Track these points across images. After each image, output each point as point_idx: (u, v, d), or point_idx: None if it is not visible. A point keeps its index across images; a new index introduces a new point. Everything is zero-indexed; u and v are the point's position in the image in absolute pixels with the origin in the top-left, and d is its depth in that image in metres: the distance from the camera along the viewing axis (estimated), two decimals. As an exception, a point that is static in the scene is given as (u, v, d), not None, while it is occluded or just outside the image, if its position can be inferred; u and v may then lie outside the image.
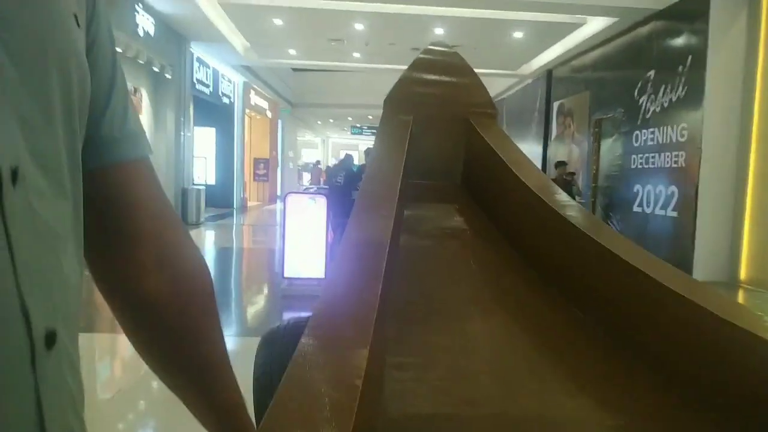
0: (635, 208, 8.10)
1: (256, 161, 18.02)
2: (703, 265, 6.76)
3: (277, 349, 1.22)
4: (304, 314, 1.03)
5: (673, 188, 7.25)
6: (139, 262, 0.54)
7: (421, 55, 2.19)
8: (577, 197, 7.94)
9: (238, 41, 11.19)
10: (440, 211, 1.93)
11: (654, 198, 7.63)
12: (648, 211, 7.78)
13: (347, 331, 0.70)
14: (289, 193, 5.04)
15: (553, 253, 1.46)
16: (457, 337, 1.17)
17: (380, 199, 1.40)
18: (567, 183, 8.03)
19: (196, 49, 11.31)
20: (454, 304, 1.37)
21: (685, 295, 0.94)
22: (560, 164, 8.44)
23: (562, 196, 1.50)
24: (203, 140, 14.50)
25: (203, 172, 14.75)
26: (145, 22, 8.54)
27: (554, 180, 7.78)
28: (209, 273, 0.61)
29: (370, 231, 1.18)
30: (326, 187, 15.09)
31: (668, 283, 0.99)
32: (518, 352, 1.17)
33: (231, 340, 3.86)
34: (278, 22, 9.73)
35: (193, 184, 11.52)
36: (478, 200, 1.95)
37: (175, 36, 10.03)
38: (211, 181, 14.89)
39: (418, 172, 2.01)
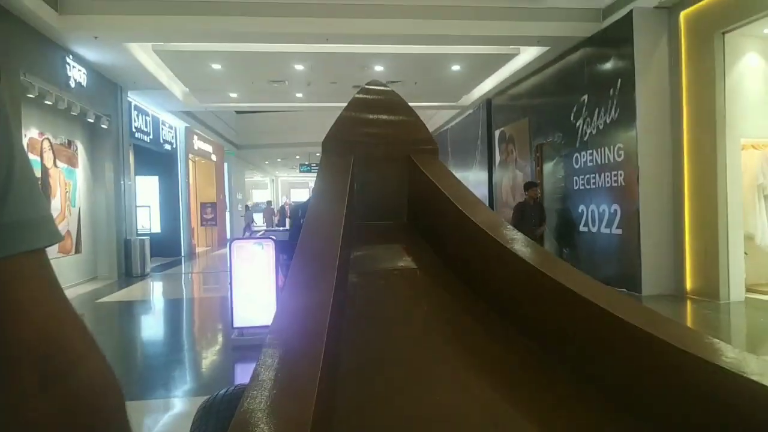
0: (581, 228, 8.31)
1: (203, 206, 17.62)
2: (651, 279, 6.96)
3: (212, 422, 1.12)
4: (243, 383, 0.95)
5: (616, 206, 7.49)
6: (16, 384, 0.43)
7: (358, 95, 2.16)
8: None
9: (176, 87, 11.01)
10: (388, 251, 1.88)
11: (599, 217, 7.86)
12: (594, 230, 7.99)
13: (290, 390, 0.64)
14: (235, 239, 4.88)
15: (503, 288, 1.43)
16: (412, 383, 1.11)
17: (323, 243, 1.33)
18: (539, 205, 8.06)
19: (134, 97, 11.06)
20: (408, 348, 1.30)
21: (638, 326, 0.92)
22: (530, 185, 7.89)
23: (509, 231, 1.47)
24: (146, 189, 14.08)
25: (147, 221, 14.27)
26: (76, 74, 8.29)
27: (523, 203, 7.82)
28: (118, 383, 0.50)
29: (314, 279, 1.11)
30: (280, 228, 14.91)
31: (620, 313, 0.97)
32: (475, 398, 1.11)
33: (178, 401, 3.63)
34: (217, 66, 9.64)
35: (137, 235, 11.09)
36: (425, 237, 1.91)
37: (109, 85, 9.78)
38: (157, 229, 14.41)
39: (363, 213, 1.95)
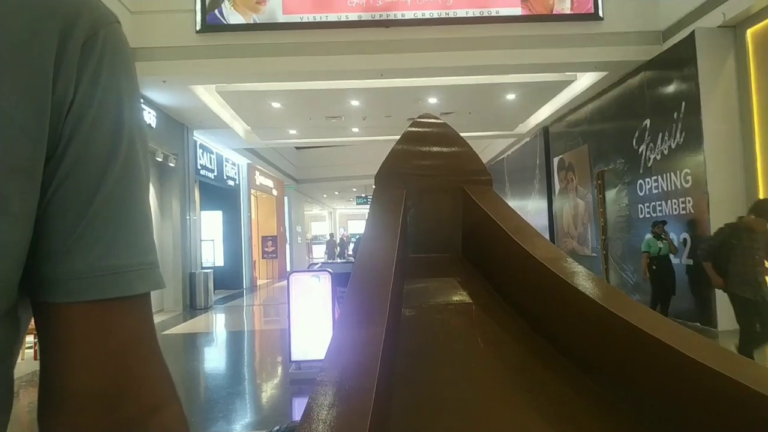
0: (649, 258, 7.90)
1: (264, 239, 18.09)
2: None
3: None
4: (297, 420, 0.93)
5: (685, 235, 7.11)
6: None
7: (410, 128, 2.17)
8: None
9: (239, 126, 11.48)
10: (443, 285, 1.84)
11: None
12: (663, 259, 7.58)
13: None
14: (293, 272, 4.95)
15: (565, 325, 1.36)
16: (467, 425, 1.06)
17: (376, 275, 1.32)
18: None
19: (199, 136, 11.60)
20: (463, 388, 1.26)
21: (718, 370, 0.84)
22: (658, 224, 6.74)
23: (570, 264, 1.41)
24: (210, 223, 14.62)
25: (211, 254, 14.76)
26: (147, 116, 8.81)
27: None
28: None
29: (366, 313, 1.09)
30: (341, 260, 15.05)
31: (696, 355, 0.89)
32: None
33: (238, 435, 3.65)
34: (276, 104, 10.00)
35: (202, 268, 11.48)
36: (481, 270, 1.86)
37: (177, 126, 10.31)
38: (220, 262, 14.88)
39: (416, 246, 1.93)
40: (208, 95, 9.17)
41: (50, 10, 0.43)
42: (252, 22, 7.61)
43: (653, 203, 7.78)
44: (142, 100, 6.62)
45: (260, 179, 17.28)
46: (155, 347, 0.47)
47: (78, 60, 0.43)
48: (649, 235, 6.76)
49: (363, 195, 25.37)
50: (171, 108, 9.41)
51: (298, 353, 4.66)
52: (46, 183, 0.43)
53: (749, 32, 6.49)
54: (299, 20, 7.58)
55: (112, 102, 0.46)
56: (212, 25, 7.55)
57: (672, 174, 7.34)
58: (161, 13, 7.62)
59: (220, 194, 14.28)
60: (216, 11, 7.55)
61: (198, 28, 7.52)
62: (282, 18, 7.59)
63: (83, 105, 0.44)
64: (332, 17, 7.60)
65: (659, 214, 7.62)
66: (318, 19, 7.58)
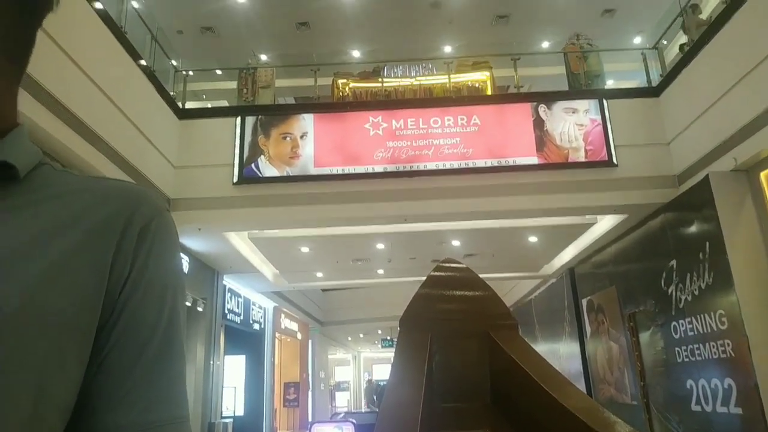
0: (693, 407, 7.39)
1: (287, 386, 17.52)
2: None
3: None
4: None
5: (729, 381, 6.70)
6: None
7: (433, 273, 2.23)
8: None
9: (267, 269, 11.76)
10: (473, 437, 1.77)
11: (711, 394, 7.00)
12: (708, 409, 7.08)
13: None
14: (315, 422, 4.76)
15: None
16: None
17: (400, 430, 1.29)
18: None
19: (228, 281, 11.86)
20: None
21: None
22: None
23: (606, 415, 1.37)
24: (233, 369, 14.33)
25: (232, 402, 14.27)
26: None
27: None
28: None
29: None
30: (366, 409, 14.35)
31: None
32: None
33: None
34: (305, 249, 10.33)
35: (221, 417, 11.05)
36: (511, 421, 1.80)
37: (207, 271, 10.62)
38: (240, 411, 14.31)
39: (443, 394, 1.89)
40: (240, 241, 9.55)
41: (121, 205, 0.54)
42: (285, 174, 8.16)
43: (691, 346, 7.46)
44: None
45: (285, 322, 17.23)
46: None
47: (135, 244, 0.54)
48: None
49: (388, 338, 24.95)
50: (203, 254, 9.77)
51: None
52: (97, 347, 0.50)
53: (762, 175, 6.67)
54: (329, 172, 8.11)
55: (159, 279, 0.55)
56: (248, 177, 8.11)
57: (706, 315, 7.13)
58: (201, 167, 8.26)
59: (244, 338, 14.18)
60: (252, 165, 8.16)
61: (235, 180, 8.08)
62: (313, 171, 8.14)
63: (136, 281, 0.53)
64: (360, 169, 8.12)
65: (698, 359, 7.27)
66: (347, 171, 8.10)
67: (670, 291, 7.93)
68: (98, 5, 6.33)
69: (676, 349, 7.80)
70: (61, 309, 0.46)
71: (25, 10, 0.54)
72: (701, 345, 7.22)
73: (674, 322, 7.84)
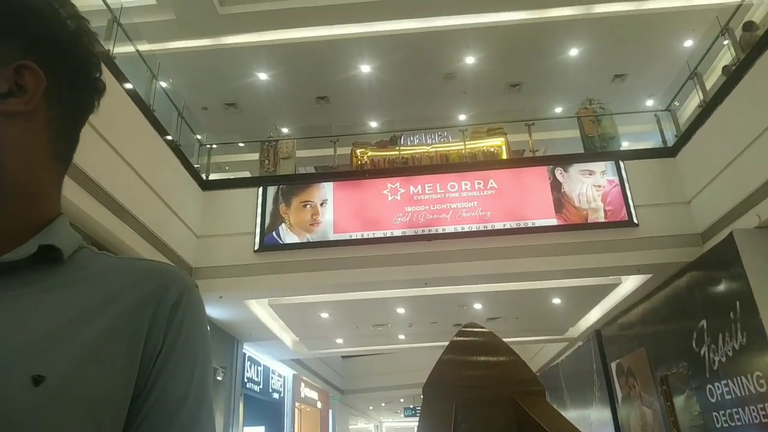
0: (739, 477, 6.95)
1: (307, 460, 16.91)
2: None
3: None
4: None
5: (775, 448, 6.33)
6: None
7: (456, 338, 2.22)
8: None
9: (287, 337, 11.67)
10: None
11: (756, 462, 6.61)
12: (755, 479, 6.65)
13: None
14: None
15: None
16: None
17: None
18: None
19: (248, 349, 11.76)
20: None
21: None
22: None
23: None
24: (252, 440, 13.93)
25: (250, 478, 13.75)
26: (201, 330, 9.11)
27: None
28: None
29: None
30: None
31: None
32: None
33: None
34: (325, 315, 10.27)
35: (240, 494, 10.66)
36: (543, 493, 1.73)
37: (228, 339, 10.56)
38: (258, 488, 13.78)
39: (470, 464, 1.84)
40: (260, 308, 9.55)
41: (155, 285, 0.60)
42: (306, 240, 8.26)
43: (729, 410, 7.11)
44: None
45: (305, 391, 16.85)
46: None
47: (167, 319, 0.59)
48: None
49: (411, 406, 24.17)
50: (224, 322, 9.77)
51: None
52: (130, 418, 0.54)
53: (788, 231, 6.58)
54: (348, 238, 8.19)
55: (189, 352, 0.60)
56: (269, 244, 8.22)
57: (743, 377, 6.83)
58: (223, 236, 8.41)
59: (264, 408, 13.86)
60: (273, 232, 8.29)
61: (256, 248, 8.19)
62: (333, 236, 8.23)
63: (167, 354, 0.58)
64: (379, 234, 8.19)
65: (738, 424, 6.91)
66: (366, 236, 8.18)
67: (702, 352, 7.65)
68: (128, 86, 6.70)
69: (714, 414, 7.44)
70: (99, 384, 0.50)
71: (74, 116, 0.61)
72: (740, 409, 6.89)
73: (710, 385, 7.52)
